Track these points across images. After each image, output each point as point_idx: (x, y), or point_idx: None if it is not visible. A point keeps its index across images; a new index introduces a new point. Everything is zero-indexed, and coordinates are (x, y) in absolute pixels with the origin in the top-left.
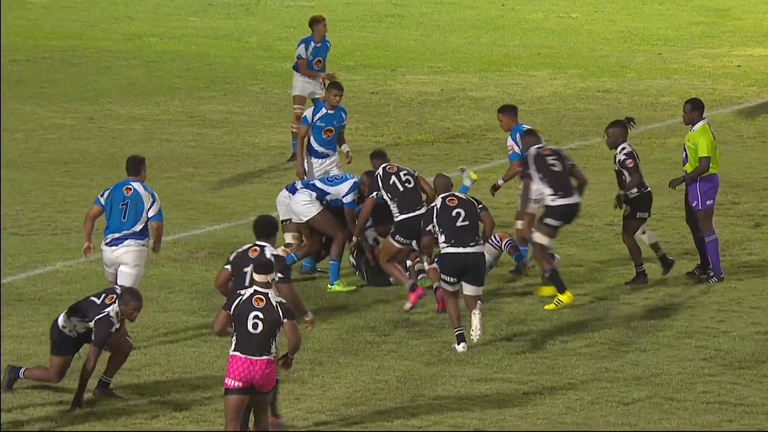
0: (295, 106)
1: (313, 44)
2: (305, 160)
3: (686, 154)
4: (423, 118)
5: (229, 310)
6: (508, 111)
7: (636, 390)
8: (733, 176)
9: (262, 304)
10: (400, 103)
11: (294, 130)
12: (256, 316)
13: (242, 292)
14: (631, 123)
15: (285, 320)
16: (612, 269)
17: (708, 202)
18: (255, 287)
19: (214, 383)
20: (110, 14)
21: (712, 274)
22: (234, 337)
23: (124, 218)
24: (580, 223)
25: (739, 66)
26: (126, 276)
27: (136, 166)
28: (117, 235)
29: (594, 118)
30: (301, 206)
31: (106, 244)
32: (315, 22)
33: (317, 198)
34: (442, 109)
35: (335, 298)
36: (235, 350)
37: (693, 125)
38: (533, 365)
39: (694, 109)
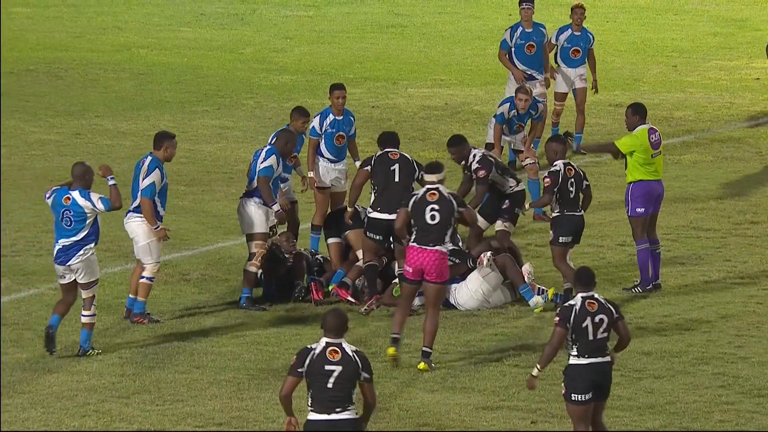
0: None
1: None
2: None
3: (626, 159)
4: (426, 134)
5: (408, 207)
6: None
7: (650, 419)
8: (751, 195)
9: (435, 197)
10: (402, 118)
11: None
12: (432, 209)
13: (416, 192)
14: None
15: (461, 209)
16: (624, 292)
17: (638, 210)
18: (426, 186)
19: (206, 411)
20: (98, 25)
21: (637, 283)
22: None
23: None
24: (590, 243)
25: (758, 79)
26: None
27: (157, 142)
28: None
29: (605, 134)
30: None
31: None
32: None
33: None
34: (446, 124)
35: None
36: (412, 242)
37: (633, 130)
38: (542, 392)
39: (635, 113)
